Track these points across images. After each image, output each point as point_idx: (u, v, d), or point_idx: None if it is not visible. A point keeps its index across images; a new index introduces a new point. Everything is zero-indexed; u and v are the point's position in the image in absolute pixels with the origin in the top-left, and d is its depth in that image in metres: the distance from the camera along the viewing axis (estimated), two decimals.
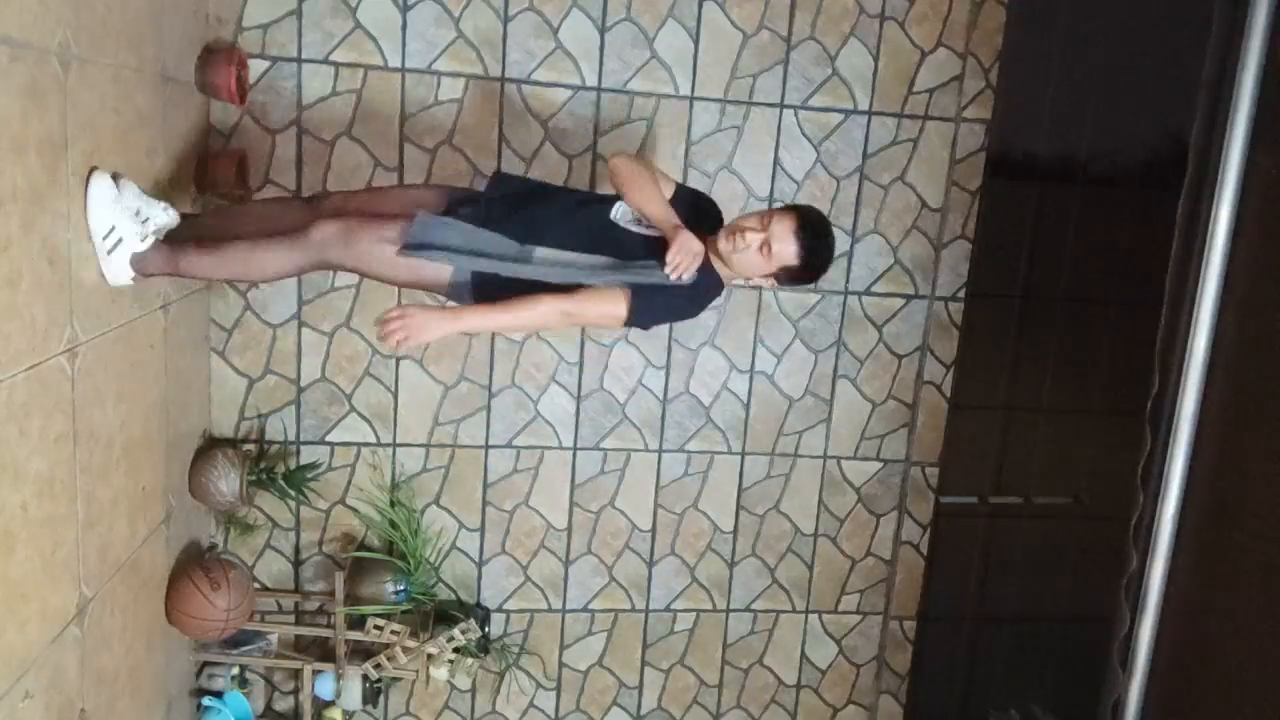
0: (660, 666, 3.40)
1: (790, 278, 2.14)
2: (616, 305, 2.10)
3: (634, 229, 2.19)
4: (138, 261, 2.06)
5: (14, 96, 1.66)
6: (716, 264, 2.20)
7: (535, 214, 2.16)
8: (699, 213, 2.25)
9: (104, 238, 1.98)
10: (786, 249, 2.07)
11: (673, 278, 2.06)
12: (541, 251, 2.12)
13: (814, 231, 2.09)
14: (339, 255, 2.10)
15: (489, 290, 2.13)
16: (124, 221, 2.00)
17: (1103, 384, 3.45)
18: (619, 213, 2.22)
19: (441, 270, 2.12)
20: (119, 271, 2.05)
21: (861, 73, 3.03)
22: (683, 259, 2.05)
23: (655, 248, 2.12)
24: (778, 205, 2.17)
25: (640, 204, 2.14)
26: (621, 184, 2.17)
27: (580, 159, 2.94)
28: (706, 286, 2.21)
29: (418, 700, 3.24)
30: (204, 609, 2.57)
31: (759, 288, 2.22)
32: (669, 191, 2.24)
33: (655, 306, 2.15)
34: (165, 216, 2.08)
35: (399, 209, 2.19)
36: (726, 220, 2.26)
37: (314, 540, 3.07)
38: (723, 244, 2.12)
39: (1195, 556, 2.62)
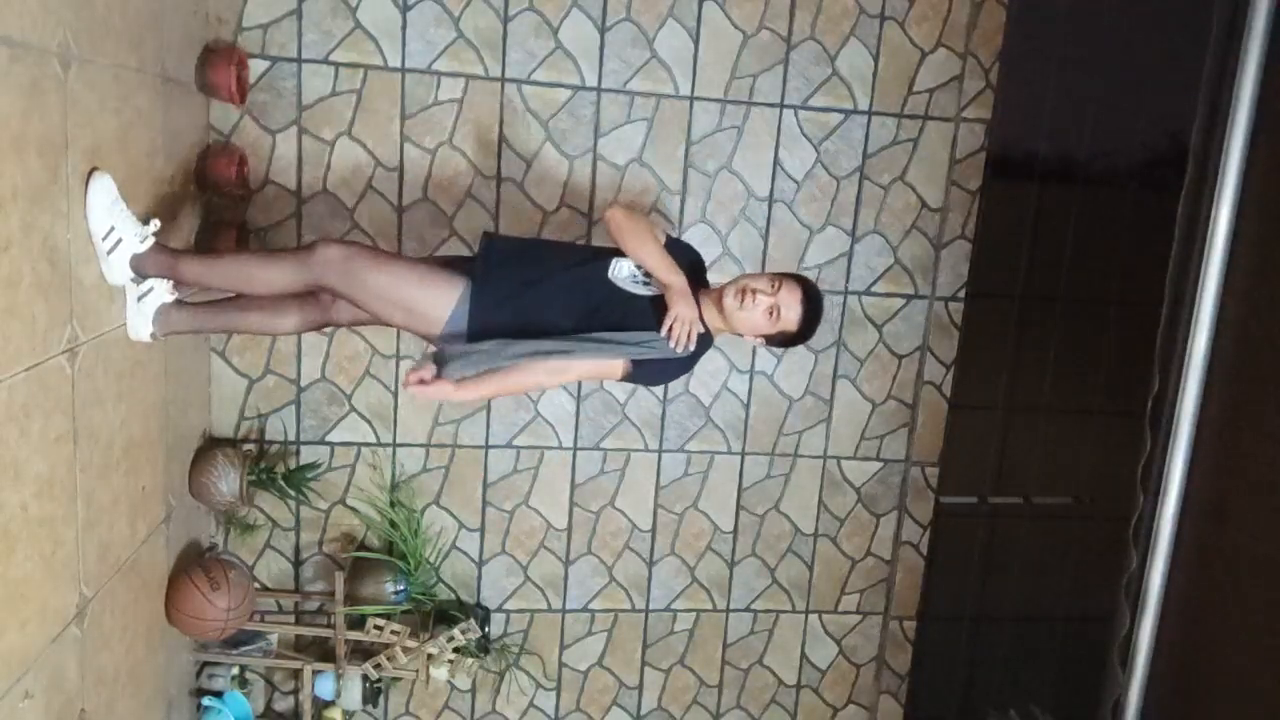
0: (660, 666, 3.40)
1: (780, 341, 2.27)
2: (613, 370, 2.24)
3: (633, 290, 2.24)
4: (136, 262, 2.06)
5: (14, 96, 1.66)
6: (708, 315, 2.26)
7: (530, 300, 2.19)
8: (691, 266, 2.30)
9: (103, 238, 1.98)
10: (791, 315, 2.19)
11: (677, 351, 2.19)
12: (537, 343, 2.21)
13: (816, 306, 2.22)
14: (335, 281, 2.12)
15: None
16: (123, 222, 2.00)
17: (1103, 384, 3.45)
18: (617, 270, 2.25)
19: (434, 322, 2.17)
20: (119, 272, 2.05)
21: (861, 73, 3.03)
22: (680, 331, 2.17)
23: (656, 311, 2.20)
24: (775, 272, 2.29)
25: (642, 258, 2.20)
26: (622, 238, 2.20)
27: (580, 159, 2.95)
28: (699, 346, 2.29)
29: (418, 700, 3.24)
30: (204, 609, 2.57)
31: (747, 342, 2.34)
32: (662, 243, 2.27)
33: (652, 373, 2.29)
34: (136, 239, 2.05)
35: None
36: (709, 272, 2.41)
37: (314, 540, 3.07)
38: (729, 301, 2.19)
39: (1195, 556, 2.62)
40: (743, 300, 2.17)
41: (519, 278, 2.20)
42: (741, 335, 2.27)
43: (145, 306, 2.14)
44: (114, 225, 1.99)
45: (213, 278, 2.18)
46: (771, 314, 2.18)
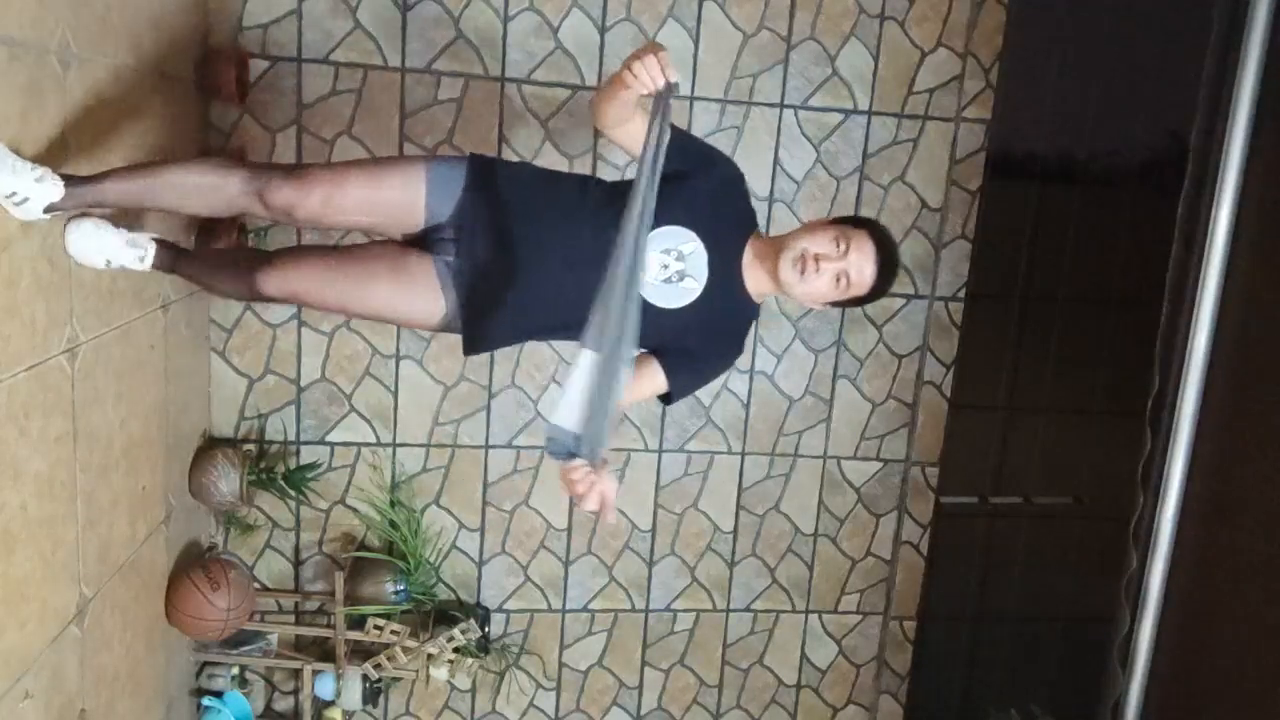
0: (660, 666, 3.40)
1: (847, 304, 1.90)
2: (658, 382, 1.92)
3: (661, 302, 1.83)
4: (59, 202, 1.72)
5: (13, 96, 1.66)
6: (753, 274, 1.89)
7: (551, 296, 1.83)
8: (715, 191, 1.87)
9: (7, 198, 1.65)
10: (864, 277, 1.81)
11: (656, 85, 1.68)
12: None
13: (892, 259, 1.84)
14: (291, 302, 1.98)
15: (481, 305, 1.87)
16: (21, 178, 1.65)
17: (1103, 384, 3.44)
18: (654, 271, 1.81)
19: (422, 324, 1.91)
20: (36, 215, 1.71)
21: (861, 73, 3.03)
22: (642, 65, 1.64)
23: (684, 322, 1.85)
24: (838, 217, 1.90)
25: (616, 112, 1.78)
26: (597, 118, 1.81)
27: (580, 159, 2.94)
28: (744, 318, 1.96)
29: (418, 700, 3.24)
30: (204, 609, 2.57)
31: (804, 308, 2.04)
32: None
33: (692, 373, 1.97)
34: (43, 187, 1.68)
35: (365, 221, 1.90)
36: (759, 211, 2.06)
37: (314, 540, 3.07)
38: (787, 273, 1.80)
39: (1195, 556, 2.62)
40: (803, 270, 1.78)
41: (519, 261, 1.82)
42: (805, 308, 1.94)
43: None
44: (15, 189, 1.64)
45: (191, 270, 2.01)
46: (839, 281, 1.79)
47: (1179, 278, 2.63)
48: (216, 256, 2.17)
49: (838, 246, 1.78)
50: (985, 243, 3.18)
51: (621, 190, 1.80)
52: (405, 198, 1.85)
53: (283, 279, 1.85)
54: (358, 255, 1.91)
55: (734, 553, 3.33)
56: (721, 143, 2.99)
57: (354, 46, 2.78)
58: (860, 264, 1.79)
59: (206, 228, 2.62)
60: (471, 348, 1.92)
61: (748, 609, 3.39)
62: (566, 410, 1.53)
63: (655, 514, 3.25)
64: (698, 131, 2.98)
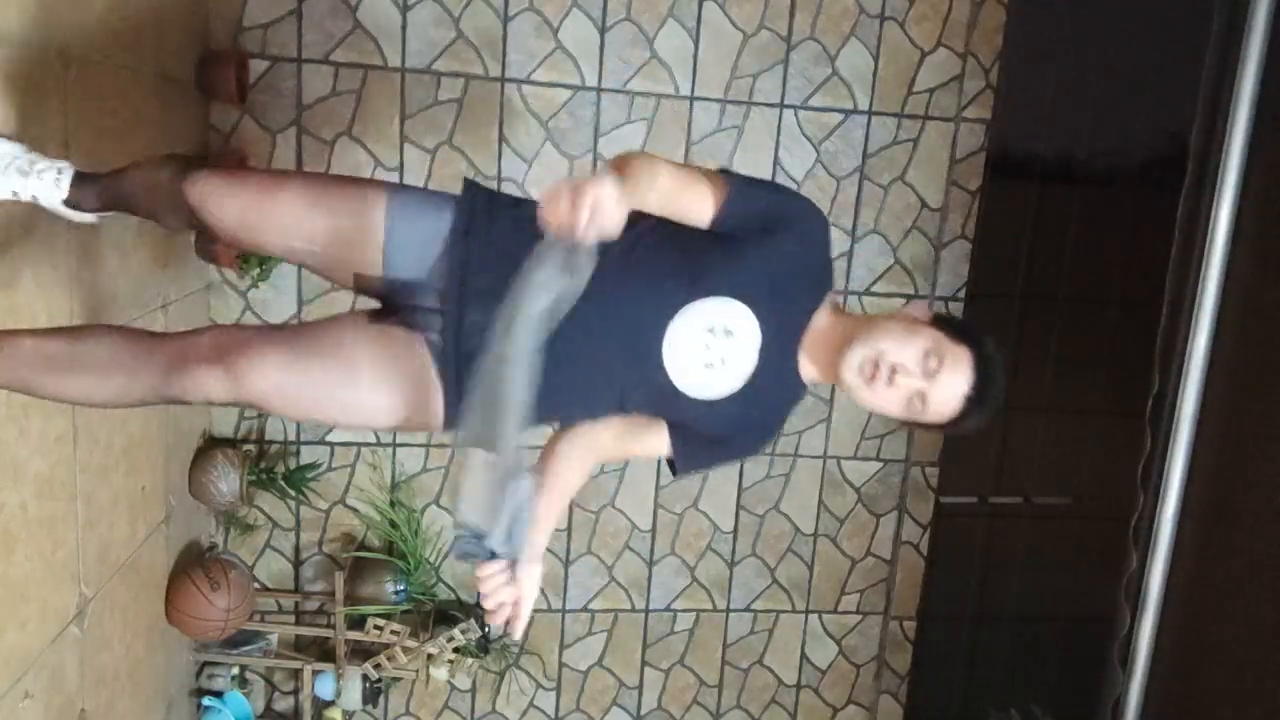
0: (660, 666, 3.40)
1: (917, 425, 1.49)
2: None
3: (699, 394, 1.43)
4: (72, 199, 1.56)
5: (14, 96, 1.66)
6: (810, 358, 1.47)
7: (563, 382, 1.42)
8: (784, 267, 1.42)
9: (16, 197, 1.56)
10: (945, 410, 1.41)
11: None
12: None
13: (989, 393, 1.43)
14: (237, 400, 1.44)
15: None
16: (27, 179, 1.54)
17: (1103, 384, 3.45)
18: (673, 355, 1.39)
19: (434, 410, 1.46)
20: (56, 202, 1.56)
21: (861, 73, 3.03)
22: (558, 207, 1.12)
23: (730, 411, 1.46)
24: (942, 317, 1.47)
25: (662, 192, 1.33)
26: (630, 185, 1.25)
27: (580, 159, 2.94)
28: (778, 408, 1.54)
29: (418, 700, 3.24)
30: (204, 609, 2.57)
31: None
32: (714, 200, 1.38)
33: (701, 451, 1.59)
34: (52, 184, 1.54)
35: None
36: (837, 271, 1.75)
37: (314, 540, 3.07)
38: (849, 375, 1.39)
39: (1195, 556, 2.62)
40: (872, 378, 1.37)
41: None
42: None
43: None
44: (15, 190, 1.53)
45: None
46: (912, 404, 1.39)
47: (1179, 278, 2.63)
48: (113, 343, 1.47)
49: (927, 362, 1.37)
50: (985, 243, 3.18)
51: (693, 247, 1.39)
52: (354, 234, 1.39)
53: (244, 380, 1.38)
54: (328, 344, 1.42)
55: (734, 553, 3.33)
56: (722, 143, 3.00)
57: (354, 46, 2.78)
58: (948, 392, 1.38)
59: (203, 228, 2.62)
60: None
61: (748, 609, 3.39)
62: (470, 504, 1.26)
63: (655, 514, 3.25)
64: (696, 133, 2.98)
